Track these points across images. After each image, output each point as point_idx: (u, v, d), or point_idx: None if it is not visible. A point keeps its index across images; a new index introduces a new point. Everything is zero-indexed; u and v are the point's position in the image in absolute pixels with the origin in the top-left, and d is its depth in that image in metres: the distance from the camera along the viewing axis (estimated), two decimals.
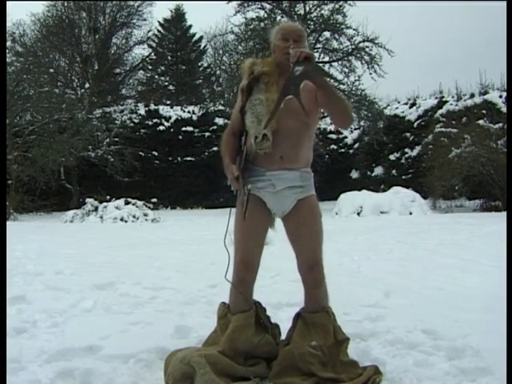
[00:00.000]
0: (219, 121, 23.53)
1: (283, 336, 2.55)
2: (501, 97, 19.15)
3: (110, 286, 4.20)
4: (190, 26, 31.69)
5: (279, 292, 3.88)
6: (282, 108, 2.24)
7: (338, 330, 2.40)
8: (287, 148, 2.36)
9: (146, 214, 14.72)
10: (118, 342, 2.68)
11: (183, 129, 24.03)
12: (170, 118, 24.14)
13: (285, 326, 2.58)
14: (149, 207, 15.49)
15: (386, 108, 23.31)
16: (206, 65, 32.52)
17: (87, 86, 27.28)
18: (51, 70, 22.77)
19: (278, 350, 2.43)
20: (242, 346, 2.30)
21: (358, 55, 20.12)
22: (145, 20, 29.50)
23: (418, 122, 22.61)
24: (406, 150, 22.88)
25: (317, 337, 2.33)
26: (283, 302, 3.53)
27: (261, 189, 2.39)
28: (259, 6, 20.95)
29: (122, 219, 14.22)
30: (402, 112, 23.59)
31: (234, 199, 2.50)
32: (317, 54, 20.94)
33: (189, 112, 24.48)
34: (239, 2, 20.74)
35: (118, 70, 30.66)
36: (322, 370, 2.25)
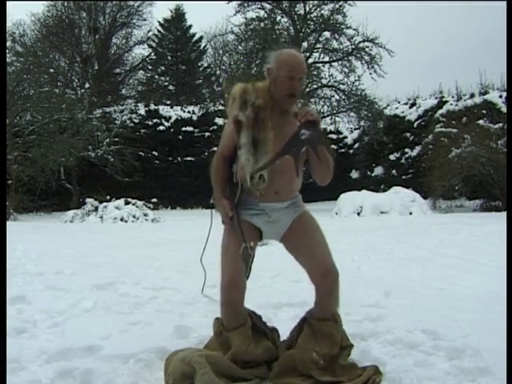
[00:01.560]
0: (219, 121, 23.53)
1: (281, 336, 2.55)
2: (501, 97, 19.16)
3: (109, 285, 4.20)
4: (190, 26, 31.73)
5: (279, 292, 3.88)
6: (278, 145, 2.21)
7: (343, 337, 2.39)
8: (282, 184, 2.35)
9: (146, 214, 14.72)
10: (117, 342, 2.68)
11: (183, 129, 24.03)
12: (170, 118, 24.15)
13: (285, 326, 2.58)
14: (149, 207, 15.49)
15: (386, 108, 23.32)
16: (206, 65, 32.54)
17: (87, 86, 27.29)
18: (51, 70, 22.77)
19: (277, 352, 2.42)
20: (243, 358, 2.30)
21: (358, 55, 20.15)
22: (145, 20, 29.56)
23: (417, 121, 22.62)
24: (406, 149, 22.89)
25: (323, 346, 2.31)
26: (283, 302, 3.53)
27: (254, 216, 2.38)
28: (259, 6, 20.97)
29: (121, 219, 14.23)
30: (402, 112, 23.60)
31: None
32: (317, 54, 20.97)
33: (189, 112, 24.49)
34: (239, 2, 20.77)
35: (118, 70, 30.67)
36: (321, 374, 2.25)
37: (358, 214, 14.72)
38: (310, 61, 20.66)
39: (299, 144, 2.19)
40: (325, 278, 2.34)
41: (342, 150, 26.09)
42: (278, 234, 2.44)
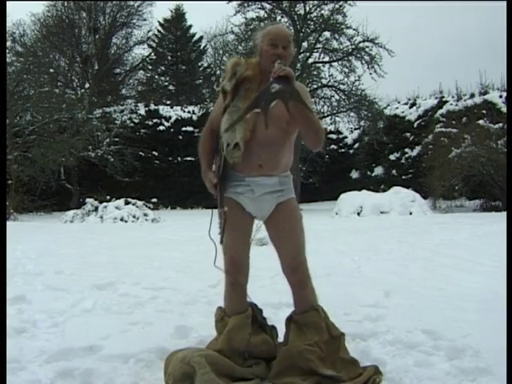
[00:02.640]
0: None
1: (281, 336, 2.55)
2: (501, 97, 19.16)
3: (110, 285, 4.20)
4: (190, 26, 31.73)
5: (279, 292, 3.87)
6: (261, 117, 2.19)
7: (331, 327, 2.40)
8: (266, 157, 2.34)
9: (146, 214, 14.71)
10: (117, 342, 2.68)
11: (183, 129, 24.02)
12: (170, 118, 24.14)
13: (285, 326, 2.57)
14: (149, 207, 15.49)
15: (386, 108, 23.31)
16: (206, 65, 32.56)
17: (87, 86, 27.29)
18: (51, 70, 22.77)
19: (276, 349, 2.43)
20: (238, 345, 2.32)
21: (358, 55, 20.13)
22: (145, 20, 29.55)
23: (418, 122, 22.62)
24: (406, 150, 22.89)
25: (311, 335, 2.33)
26: (283, 302, 3.52)
27: (240, 194, 2.39)
28: (259, 6, 20.95)
29: (122, 219, 14.22)
30: (402, 112, 23.60)
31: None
32: (317, 54, 20.95)
33: (189, 112, 24.48)
34: (239, 2, 20.75)
35: (118, 70, 30.67)
36: (322, 366, 2.25)
37: (358, 214, 14.72)
38: (310, 61, 20.66)
39: (269, 97, 2.16)
40: (294, 272, 2.40)
41: (342, 150, 26.10)
42: (262, 213, 2.43)
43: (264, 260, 2.42)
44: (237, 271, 2.40)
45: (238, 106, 2.31)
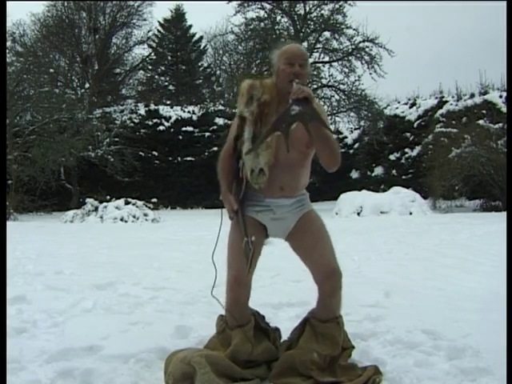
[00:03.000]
0: (219, 121, 23.53)
1: (283, 337, 2.55)
2: (501, 97, 19.14)
3: (110, 285, 4.20)
4: (190, 26, 31.72)
5: (279, 292, 3.88)
6: (282, 141, 2.17)
7: (345, 339, 2.40)
8: (287, 179, 2.34)
9: (146, 214, 14.72)
10: (117, 342, 2.68)
11: (183, 129, 24.02)
12: (170, 118, 24.13)
13: (285, 326, 2.58)
14: (149, 207, 15.49)
15: (386, 108, 23.30)
16: (206, 65, 32.55)
17: (87, 86, 27.29)
18: (51, 70, 22.78)
19: (277, 353, 2.42)
20: (242, 357, 2.31)
21: (358, 55, 20.14)
22: (145, 20, 29.53)
23: (418, 122, 22.61)
24: (406, 149, 22.88)
25: (324, 346, 2.31)
26: (283, 301, 3.53)
27: (259, 212, 2.38)
28: (259, 6, 20.96)
29: (122, 219, 14.22)
30: (402, 112, 23.58)
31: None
32: (317, 54, 20.96)
33: (189, 112, 24.47)
34: (239, 2, 20.75)
35: (118, 70, 30.66)
36: (321, 375, 2.26)
37: (358, 214, 14.71)
38: (310, 61, 20.64)
39: (289, 120, 2.15)
40: (327, 279, 2.34)
41: (342, 150, 26.06)
42: (283, 232, 2.43)
43: (264, 260, 2.42)
44: (239, 288, 2.35)
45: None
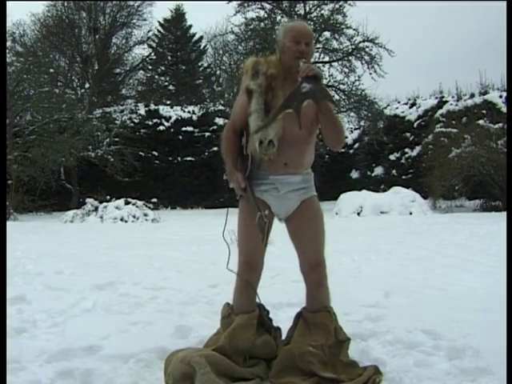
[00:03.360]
0: (219, 121, 23.52)
1: (282, 337, 2.55)
2: (501, 97, 19.14)
3: (110, 285, 4.20)
4: (190, 26, 31.71)
5: (279, 292, 3.88)
6: (289, 116, 2.20)
7: (339, 330, 2.40)
8: (292, 155, 2.35)
9: (146, 214, 14.72)
10: (117, 342, 2.68)
11: (183, 129, 24.02)
12: (170, 118, 24.13)
13: (285, 326, 2.58)
14: (149, 207, 15.49)
15: (386, 108, 23.29)
16: (206, 65, 32.54)
17: (87, 86, 27.28)
18: (51, 70, 22.75)
19: (277, 350, 2.43)
20: (241, 345, 2.31)
21: (358, 55, 20.12)
22: (145, 20, 29.53)
23: (418, 122, 22.60)
24: (406, 150, 22.87)
25: (317, 336, 2.33)
26: (283, 301, 3.53)
27: (264, 192, 2.38)
28: (259, 6, 20.94)
29: (122, 219, 14.22)
30: (402, 112, 23.58)
31: (233, 199, 2.49)
32: (317, 54, 20.94)
33: (189, 112, 24.47)
34: (239, 2, 20.74)
35: (118, 70, 30.66)
36: (322, 369, 2.25)
37: (358, 214, 14.71)
38: (310, 61, 20.64)
39: (300, 97, 2.16)
40: (312, 272, 2.40)
41: (342, 150, 26.03)
42: (286, 211, 2.42)
43: (265, 260, 2.42)
44: (250, 271, 2.39)
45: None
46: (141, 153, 22.32)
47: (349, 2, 20.11)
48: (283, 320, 2.78)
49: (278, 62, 2.40)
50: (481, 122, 16.96)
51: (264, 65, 2.38)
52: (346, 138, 26.35)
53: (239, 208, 2.44)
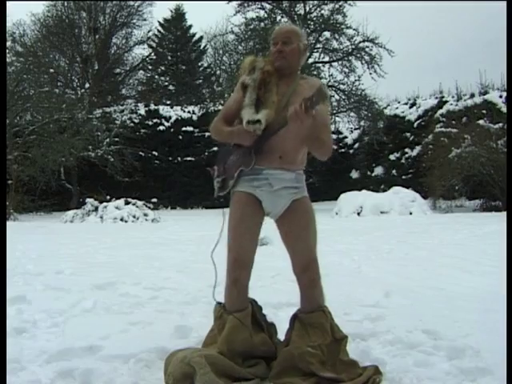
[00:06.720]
0: None
1: (280, 335, 2.55)
2: (501, 97, 19.14)
3: (110, 285, 4.20)
4: (190, 26, 31.74)
5: (279, 292, 3.88)
6: (280, 110, 2.24)
7: (335, 329, 2.40)
8: (287, 149, 2.37)
9: (146, 214, 14.72)
10: (118, 342, 2.68)
11: (183, 129, 24.02)
12: (170, 118, 24.14)
13: (285, 326, 2.57)
14: (149, 207, 15.49)
15: (386, 108, 23.30)
16: (206, 65, 32.55)
17: (87, 86, 27.30)
18: (51, 70, 22.77)
19: (275, 348, 2.43)
20: (239, 347, 2.31)
21: (358, 55, 20.13)
22: (145, 20, 29.57)
23: (418, 122, 22.60)
24: (406, 149, 22.87)
25: (315, 336, 2.33)
26: (283, 301, 3.53)
27: (257, 187, 2.39)
28: (259, 6, 20.96)
29: (122, 219, 14.22)
30: (402, 112, 23.58)
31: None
32: (317, 54, 20.96)
33: (189, 112, 24.48)
34: (239, 2, 20.76)
35: (118, 70, 30.67)
36: (322, 368, 2.25)
37: (358, 214, 14.71)
38: (310, 61, 20.65)
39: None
40: (304, 272, 2.41)
41: (342, 150, 26.06)
42: (277, 209, 2.43)
43: (264, 260, 2.43)
44: (240, 268, 2.37)
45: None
46: (141, 153, 22.32)
47: (349, 2, 20.13)
48: (283, 320, 2.77)
49: (273, 63, 2.49)
50: (481, 121, 16.96)
51: (262, 62, 2.46)
52: (346, 138, 26.40)
53: (230, 202, 2.43)
